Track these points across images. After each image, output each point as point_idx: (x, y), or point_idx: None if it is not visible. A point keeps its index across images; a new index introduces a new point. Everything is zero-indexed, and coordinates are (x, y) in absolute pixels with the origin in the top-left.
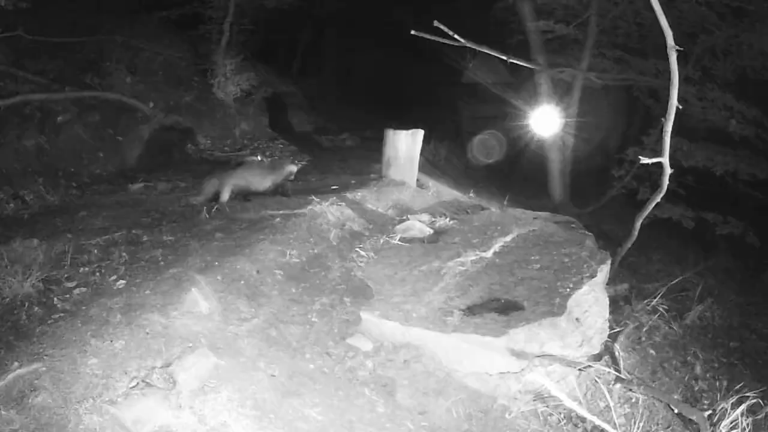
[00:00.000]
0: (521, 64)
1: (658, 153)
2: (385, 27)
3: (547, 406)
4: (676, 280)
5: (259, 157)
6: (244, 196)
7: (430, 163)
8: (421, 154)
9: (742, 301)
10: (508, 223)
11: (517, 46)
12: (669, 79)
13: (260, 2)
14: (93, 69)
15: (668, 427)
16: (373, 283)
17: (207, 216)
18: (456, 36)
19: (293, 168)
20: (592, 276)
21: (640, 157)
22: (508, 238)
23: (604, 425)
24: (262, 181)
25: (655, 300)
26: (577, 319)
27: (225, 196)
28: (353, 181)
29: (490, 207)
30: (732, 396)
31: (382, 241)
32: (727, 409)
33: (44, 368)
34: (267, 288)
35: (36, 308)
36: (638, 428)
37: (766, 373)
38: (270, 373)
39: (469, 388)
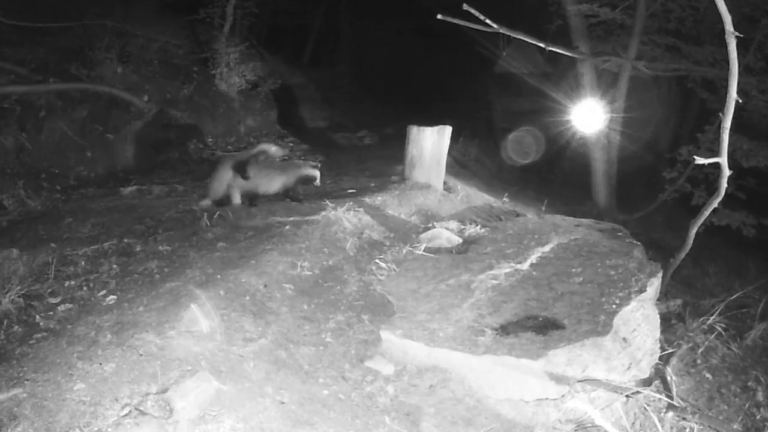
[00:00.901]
0: (561, 52)
1: (715, 152)
2: (406, 11)
3: None
4: (736, 296)
5: (273, 147)
6: (249, 199)
7: (458, 164)
8: (449, 153)
9: None
10: (546, 232)
11: (557, 33)
12: (727, 68)
13: None
14: (79, 58)
15: None
16: (394, 299)
17: (208, 223)
18: (488, 21)
19: (315, 173)
20: (641, 291)
21: (694, 156)
22: (547, 249)
23: None
24: (270, 183)
25: (712, 318)
26: (624, 339)
27: (237, 198)
28: (372, 184)
29: (527, 213)
30: None
31: (404, 251)
32: None
33: (25, 394)
34: (275, 304)
35: (16, 327)
36: None
37: None
38: (279, 399)
39: (502, 417)
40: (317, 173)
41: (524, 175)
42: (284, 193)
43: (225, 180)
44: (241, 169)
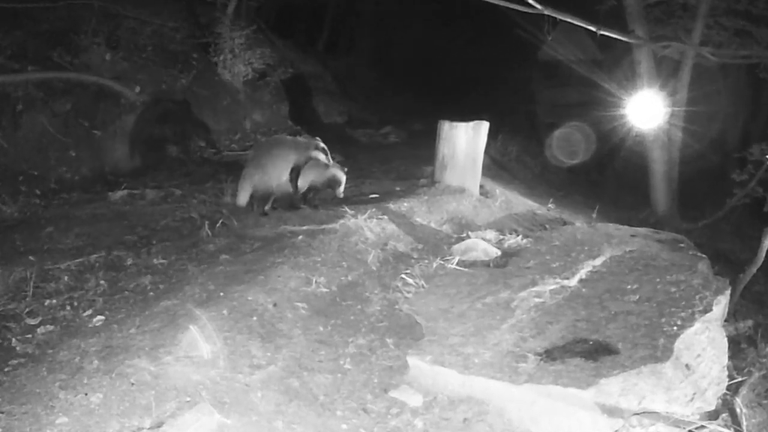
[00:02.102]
0: (614, 36)
1: None
2: None
3: None
4: None
5: (322, 156)
6: (262, 202)
7: (497, 164)
8: (486, 152)
9: None
10: (597, 243)
11: (609, 14)
12: None
13: None
14: (63, 43)
15: None
16: (423, 320)
17: (209, 233)
18: (531, 1)
19: (341, 176)
20: (706, 310)
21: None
22: (598, 262)
23: None
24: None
25: None
26: (686, 365)
27: (244, 198)
28: (398, 188)
29: (575, 221)
30: None
31: (435, 265)
32: None
33: (0, 429)
34: (287, 326)
35: None
36: None
37: None
38: None
39: None
40: (343, 178)
41: (572, 177)
42: (301, 196)
43: (266, 180)
44: (295, 175)
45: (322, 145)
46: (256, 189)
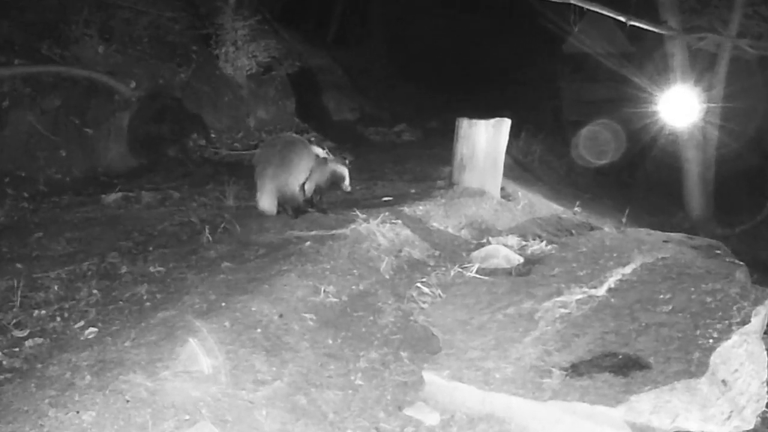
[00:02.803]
0: (646, 27)
1: None
2: None
3: None
4: None
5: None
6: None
7: (519, 165)
8: (507, 152)
9: None
10: (627, 249)
11: (640, 4)
12: None
13: None
14: (52, 35)
15: None
16: (440, 332)
17: (210, 238)
18: None
19: (343, 171)
20: (745, 322)
21: None
22: (628, 270)
23: None
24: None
25: None
26: (723, 381)
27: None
28: (413, 191)
29: (603, 226)
30: None
31: (453, 273)
32: None
33: None
34: (293, 338)
35: None
36: None
37: None
38: None
39: None
40: (346, 172)
41: (600, 179)
42: (309, 198)
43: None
44: (317, 204)
45: (344, 161)
46: (282, 192)
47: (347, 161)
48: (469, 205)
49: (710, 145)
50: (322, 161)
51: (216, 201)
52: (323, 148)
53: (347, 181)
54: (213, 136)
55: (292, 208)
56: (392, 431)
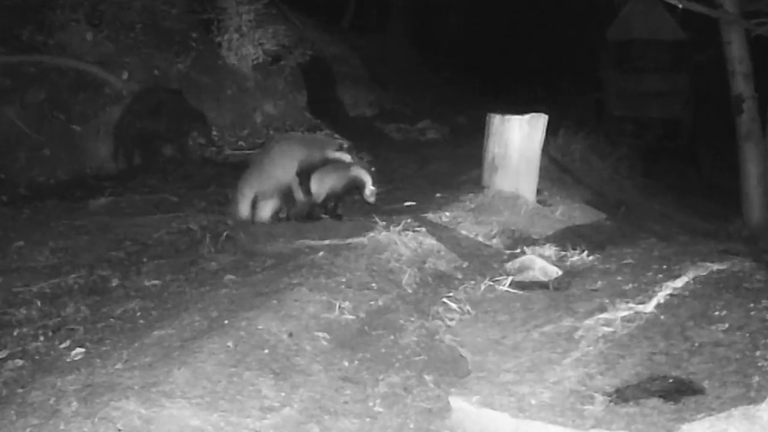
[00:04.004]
0: (699, 11)
1: None
2: None
3: None
4: None
5: (347, 156)
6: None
7: (557, 166)
8: (544, 151)
9: None
10: (678, 260)
11: None
12: None
13: None
14: (35, 20)
15: None
16: (469, 353)
17: (211, 248)
18: None
19: (366, 177)
20: None
21: None
22: (679, 284)
23: None
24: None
25: None
26: None
27: (266, 212)
28: (438, 195)
29: (651, 234)
30: None
31: (483, 286)
32: None
33: None
34: (305, 360)
35: None
36: None
37: None
38: None
39: None
40: (369, 179)
41: (648, 181)
42: (321, 205)
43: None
44: (305, 177)
45: (345, 144)
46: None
47: (372, 168)
48: (502, 210)
49: None
50: (342, 166)
51: (218, 206)
52: (343, 149)
53: (370, 190)
54: (215, 133)
55: (293, 214)
56: None
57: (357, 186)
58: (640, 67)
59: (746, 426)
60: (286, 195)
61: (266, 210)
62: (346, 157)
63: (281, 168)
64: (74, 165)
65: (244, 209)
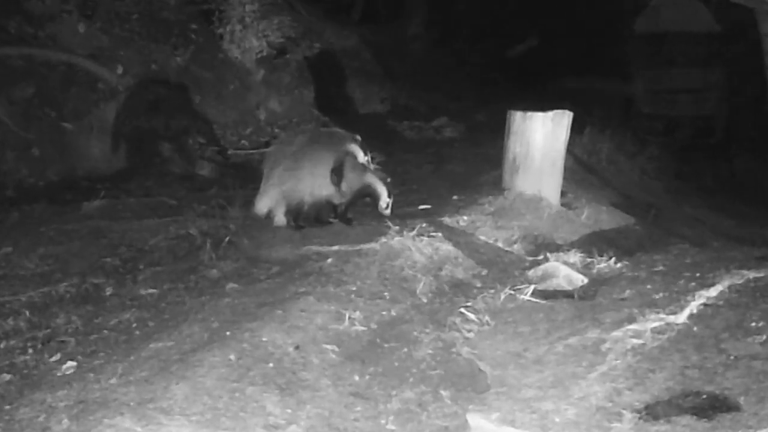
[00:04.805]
0: (736, 1)
1: None
2: None
3: None
4: None
5: (361, 152)
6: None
7: (583, 167)
8: (569, 151)
9: None
10: (712, 267)
11: None
12: None
13: None
14: (23, 11)
15: None
16: (488, 367)
17: (212, 254)
18: None
19: (381, 188)
20: None
21: None
22: (713, 293)
23: None
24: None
25: None
26: None
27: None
28: (455, 197)
29: (683, 240)
30: None
31: (503, 296)
32: None
33: None
34: (312, 374)
35: None
36: None
37: None
38: None
39: None
40: (384, 191)
41: (680, 183)
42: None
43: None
44: (337, 173)
45: (358, 137)
46: (288, 199)
47: (389, 179)
48: (523, 214)
49: None
50: (359, 166)
51: (219, 210)
52: (357, 141)
53: (384, 202)
54: (216, 132)
55: (293, 219)
56: None
57: (371, 196)
58: (671, 61)
59: None
60: (317, 204)
61: (283, 216)
62: (361, 155)
63: (314, 177)
64: (65, 165)
65: (261, 205)
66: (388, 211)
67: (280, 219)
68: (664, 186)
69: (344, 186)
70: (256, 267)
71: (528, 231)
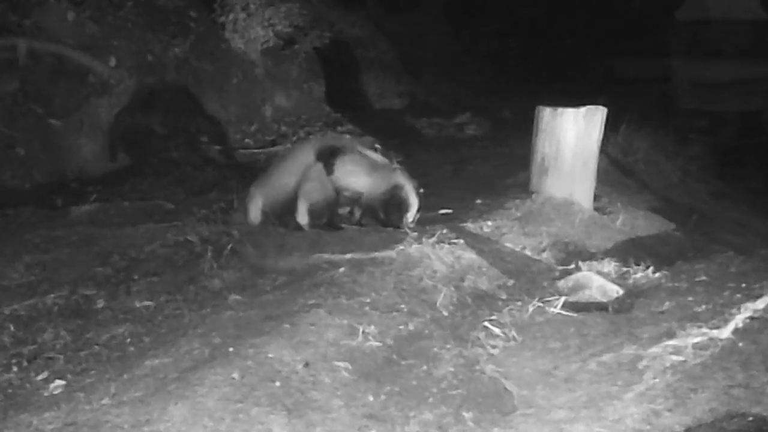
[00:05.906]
0: None
1: None
2: None
3: None
4: None
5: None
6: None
7: (618, 168)
8: (603, 150)
9: None
10: (759, 278)
11: None
12: None
13: None
14: None
15: None
16: (514, 386)
17: (213, 263)
18: None
19: (413, 198)
20: None
21: None
22: (760, 305)
23: None
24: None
25: None
26: None
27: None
28: (478, 201)
29: (727, 247)
30: None
31: (531, 308)
32: None
33: None
34: (323, 394)
35: None
36: None
37: None
38: None
39: None
40: (416, 201)
41: (724, 185)
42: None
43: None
44: (330, 160)
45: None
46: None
47: (421, 189)
48: (553, 219)
49: None
50: (381, 163)
51: (222, 215)
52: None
53: (413, 214)
54: (218, 129)
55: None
56: None
57: (396, 200)
58: (715, 52)
59: None
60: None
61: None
62: (384, 157)
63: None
64: (53, 166)
65: (250, 213)
66: (412, 225)
67: (252, 217)
68: (707, 189)
69: (367, 187)
70: (262, 277)
71: (558, 238)
